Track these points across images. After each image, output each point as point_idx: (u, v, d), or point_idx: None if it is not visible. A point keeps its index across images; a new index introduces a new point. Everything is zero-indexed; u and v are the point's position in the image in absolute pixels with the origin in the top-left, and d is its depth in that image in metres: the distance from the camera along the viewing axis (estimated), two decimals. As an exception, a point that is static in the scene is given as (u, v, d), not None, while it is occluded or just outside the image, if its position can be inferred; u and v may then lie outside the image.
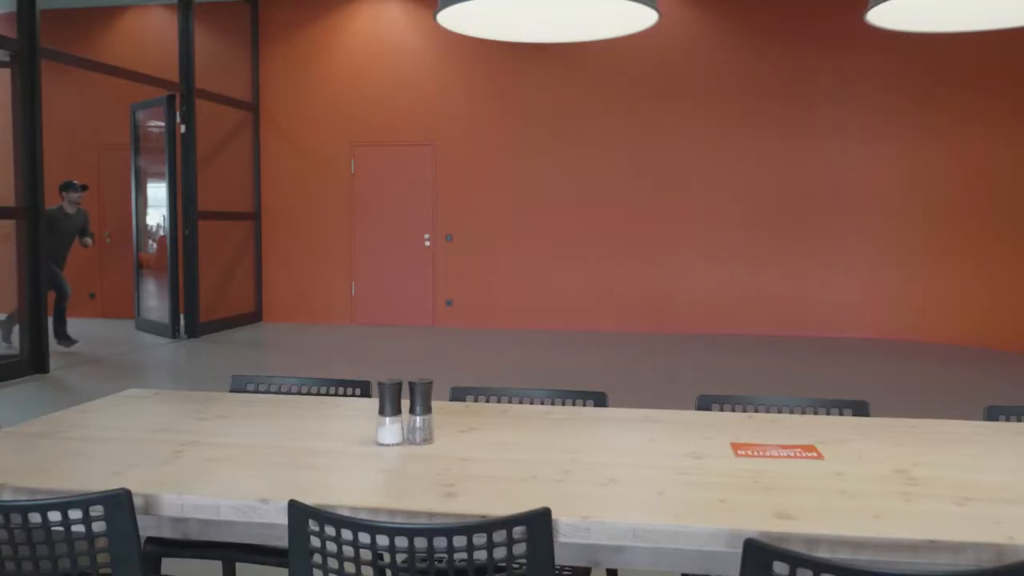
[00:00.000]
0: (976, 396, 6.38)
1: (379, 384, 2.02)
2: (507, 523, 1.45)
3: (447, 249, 10.17)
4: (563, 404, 2.57)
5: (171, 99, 9.21)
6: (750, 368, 7.51)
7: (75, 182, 8.25)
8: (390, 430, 2.02)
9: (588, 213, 9.84)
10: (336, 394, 2.69)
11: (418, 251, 10.25)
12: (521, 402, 2.57)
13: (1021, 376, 7.20)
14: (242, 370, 7.29)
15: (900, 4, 2.33)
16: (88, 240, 8.39)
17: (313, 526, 1.49)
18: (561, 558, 1.58)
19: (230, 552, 2.06)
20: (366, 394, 2.67)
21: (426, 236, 10.20)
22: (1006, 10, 2.34)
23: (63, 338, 8.33)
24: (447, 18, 2.37)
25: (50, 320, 7.99)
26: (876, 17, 2.34)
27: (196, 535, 1.73)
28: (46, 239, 7.72)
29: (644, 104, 9.68)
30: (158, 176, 9.61)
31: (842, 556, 1.45)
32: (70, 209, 8.18)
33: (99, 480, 1.75)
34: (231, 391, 2.71)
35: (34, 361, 7.09)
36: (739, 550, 1.40)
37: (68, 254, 8.44)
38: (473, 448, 2.00)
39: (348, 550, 1.48)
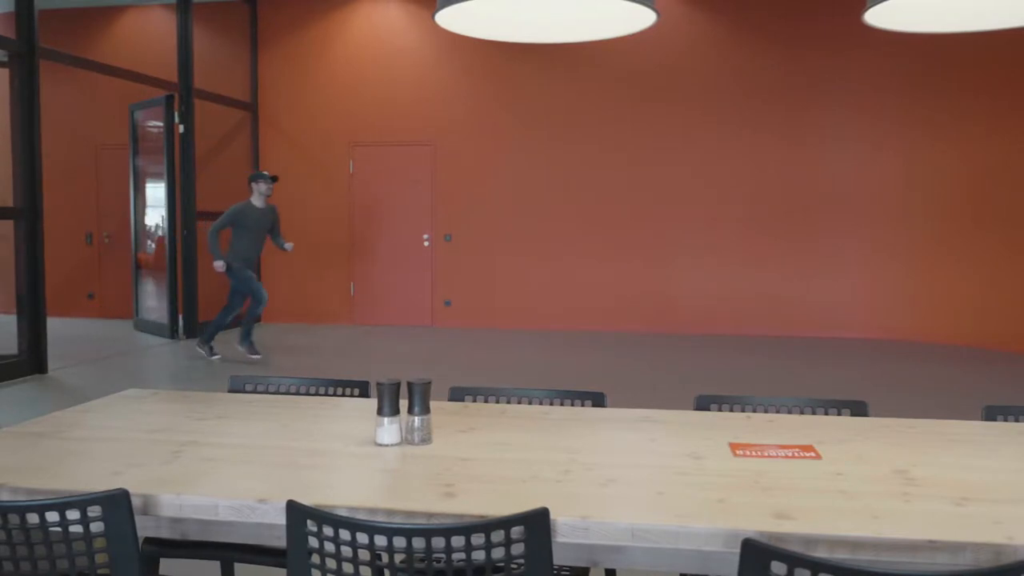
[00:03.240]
0: (975, 396, 6.38)
1: (378, 384, 2.01)
2: (505, 523, 1.45)
3: (446, 249, 10.17)
4: (562, 404, 2.57)
5: (170, 99, 9.20)
6: (749, 368, 7.51)
7: (265, 172, 7.67)
8: (389, 430, 2.02)
9: (587, 213, 9.84)
10: (335, 394, 2.69)
11: (417, 251, 10.25)
12: (520, 402, 2.57)
13: (1020, 376, 7.20)
14: (241, 370, 7.29)
15: (897, 4, 2.33)
16: (288, 244, 7.67)
17: (311, 526, 1.49)
18: (560, 558, 1.58)
19: (228, 552, 2.06)
20: (365, 394, 2.67)
21: (425, 236, 10.20)
22: (1003, 10, 2.34)
23: (248, 344, 7.71)
24: (445, 18, 2.37)
25: (210, 323, 7.72)
26: (874, 17, 2.34)
27: (194, 535, 1.73)
28: (237, 238, 7.46)
29: (643, 104, 9.68)
30: (157, 176, 9.61)
31: (841, 556, 1.45)
32: (259, 203, 7.55)
33: (97, 480, 1.75)
34: (229, 391, 2.71)
35: (33, 361, 7.08)
36: (738, 550, 1.40)
37: (260, 255, 7.86)
38: (472, 448, 2.00)
39: (346, 550, 1.48)
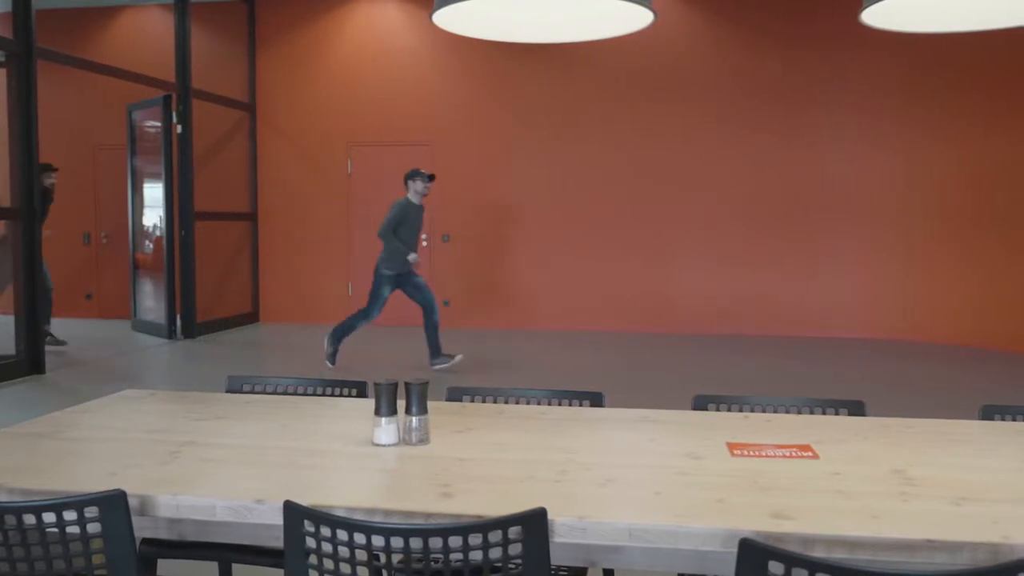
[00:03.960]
0: (972, 396, 6.39)
1: (375, 384, 2.01)
2: (503, 523, 1.45)
3: (444, 249, 10.17)
4: (560, 404, 2.57)
5: (167, 99, 9.20)
6: (746, 368, 7.52)
7: (422, 170, 7.44)
8: (386, 430, 2.01)
9: (586, 213, 9.84)
10: (332, 394, 2.69)
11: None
12: (518, 402, 2.57)
13: (1017, 376, 7.21)
14: (238, 371, 7.29)
15: (893, 4, 2.33)
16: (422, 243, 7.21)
17: (309, 527, 1.49)
18: (557, 558, 1.58)
19: (226, 553, 2.06)
20: (362, 394, 2.67)
21: (423, 236, 10.20)
22: (999, 10, 2.34)
23: (439, 356, 7.29)
24: (443, 18, 2.37)
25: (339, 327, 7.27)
26: (870, 17, 2.34)
27: (192, 536, 1.73)
28: (401, 236, 7.05)
29: (642, 104, 9.68)
30: (155, 176, 9.60)
31: (839, 556, 1.45)
32: (416, 199, 7.23)
33: (95, 481, 1.75)
34: (227, 391, 2.71)
35: (30, 362, 7.07)
36: (735, 550, 1.40)
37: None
38: (469, 448, 2.00)
39: (344, 551, 1.48)
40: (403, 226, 7.11)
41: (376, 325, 10.21)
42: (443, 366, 7.30)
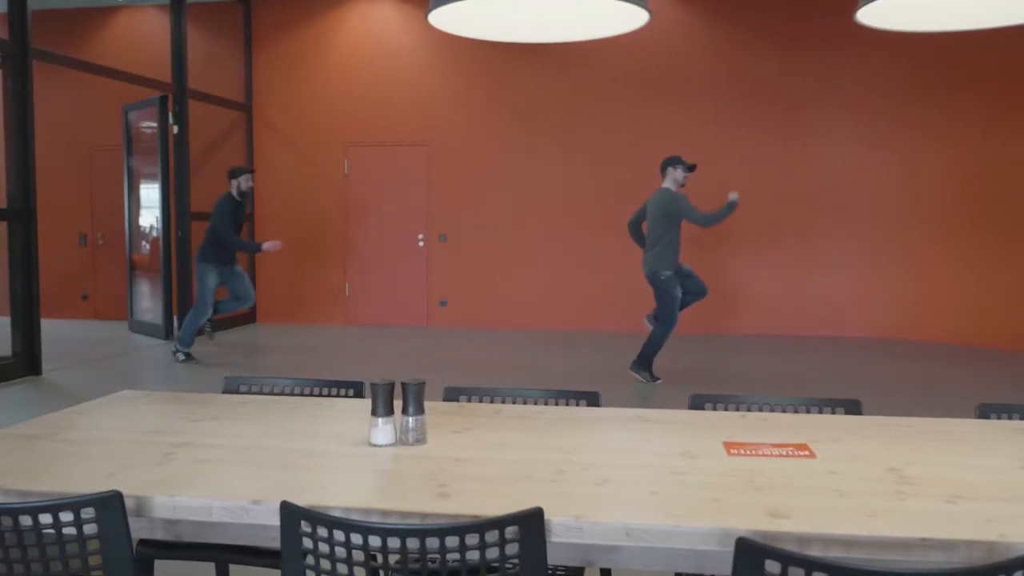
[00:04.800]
0: (968, 394, 6.40)
1: (372, 384, 2.01)
2: (500, 523, 1.45)
3: (441, 249, 10.17)
4: (557, 404, 2.57)
5: (164, 100, 9.18)
6: (744, 367, 7.52)
7: (680, 157, 6.80)
8: (383, 431, 2.01)
9: (583, 213, 9.84)
10: (329, 395, 2.69)
11: (412, 251, 10.25)
12: (515, 402, 2.57)
13: (1014, 375, 7.22)
14: (235, 371, 7.28)
15: (889, 3, 2.33)
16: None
17: (305, 527, 1.49)
18: (554, 558, 1.58)
19: (223, 554, 2.05)
20: (359, 395, 2.67)
21: (420, 236, 10.20)
22: (995, 9, 2.34)
23: (647, 372, 6.77)
24: (438, 18, 2.37)
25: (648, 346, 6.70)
26: (866, 16, 2.35)
27: (189, 537, 1.73)
28: (672, 238, 6.55)
29: (640, 104, 9.68)
30: (151, 177, 9.58)
31: (835, 555, 1.46)
32: (674, 188, 6.68)
33: (91, 482, 1.74)
34: (224, 392, 2.70)
35: (27, 363, 7.06)
36: (732, 549, 1.41)
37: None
38: (466, 448, 2.00)
39: (340, 551, 1.48)
40: (676, 222, 6.56)
41: (370, 325, 10.21)
42: (641, 378, 6.82)
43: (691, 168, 6.61)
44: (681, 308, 6.73)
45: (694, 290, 6.80)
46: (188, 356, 7.75)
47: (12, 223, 6.99)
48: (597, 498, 1.65)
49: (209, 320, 7.83)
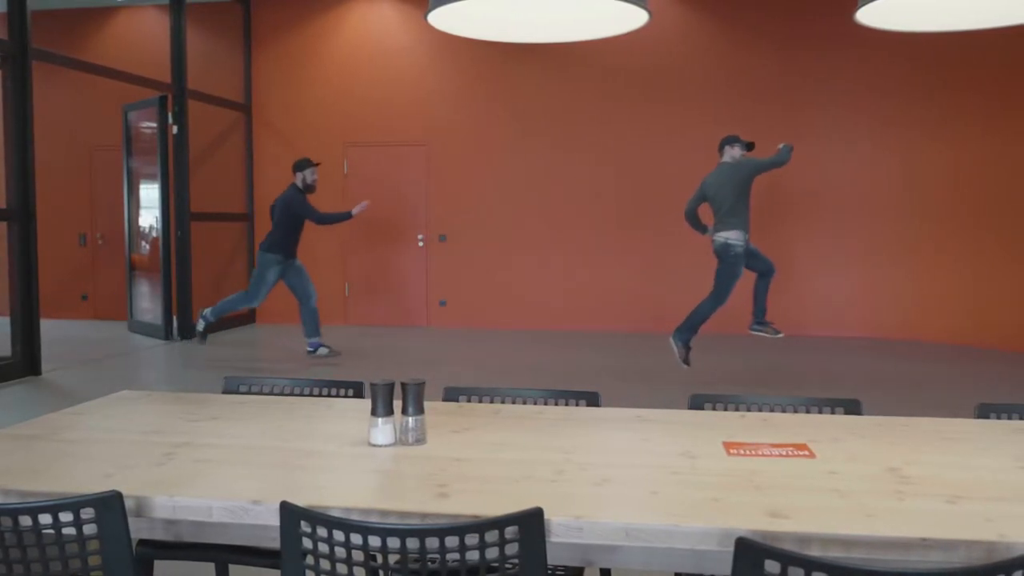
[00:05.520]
0: (968, 394, 6.40)
1: (371, 384, 2.01)
2: (500, 523, 1.45)
3: (441, 249, 10.16)
4: (556, 404, 2.57)
5: (163, 100, 9.18)
6: (743, 367, 7.52)
7: (738, 136, 6.82)
8: (383, 431, 2.01)
9: (582, 213, 9.84)
10: (329, 395, 2.69)
11: (412, 251, 10.25)
12: (514, 402, 2.57)
13: (1013, 374, 7.22)
14: (235, 371, 7.28)
15: (889, 3, 2.33)
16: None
17: (305, 527, 1.49)
18: (554, 558, 1.58)
19: (223, 554, 2.05)
20: (359, 395, 2.67)
21: (420, 236, 10.20)
22: (995, 9, 2.34)
23: (683, 345, 6.81)
24: (438, 19, 2.37)
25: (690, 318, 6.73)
26: (865, 16, 2.35)
27: (188, 537, 1.73)
28: (742, 210, 6.44)
29: (639, 104, 9.68)
30: (150, 177, 9.58)
31: (834, 555, 1.46)
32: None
33: (91, 482, 1.74)
34: (224, 392, 2.70)
35: (26, 363, 7.06)
36: (732, 549, 1.41)
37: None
38: (466, 448, 2.00)
39: (340, 551, 1.48)
40: (746, 196, 6.53)
41: (370, 325, 10.20)
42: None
43: (749, 146, 6.62)
44: (764, 293, 6.71)
45: (763, 270, 6.75)
46: (205, 330, 7.85)
47: (12, 223, 6.99)
48: (597, 498, 1.65)
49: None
